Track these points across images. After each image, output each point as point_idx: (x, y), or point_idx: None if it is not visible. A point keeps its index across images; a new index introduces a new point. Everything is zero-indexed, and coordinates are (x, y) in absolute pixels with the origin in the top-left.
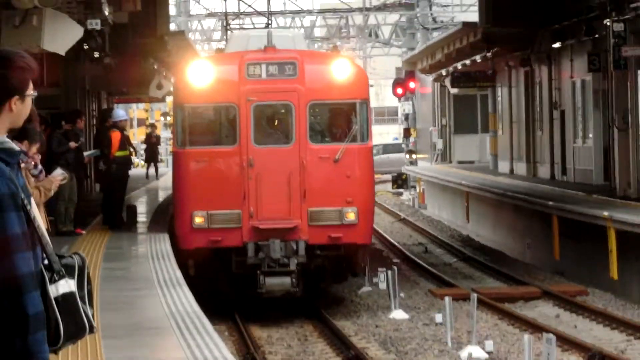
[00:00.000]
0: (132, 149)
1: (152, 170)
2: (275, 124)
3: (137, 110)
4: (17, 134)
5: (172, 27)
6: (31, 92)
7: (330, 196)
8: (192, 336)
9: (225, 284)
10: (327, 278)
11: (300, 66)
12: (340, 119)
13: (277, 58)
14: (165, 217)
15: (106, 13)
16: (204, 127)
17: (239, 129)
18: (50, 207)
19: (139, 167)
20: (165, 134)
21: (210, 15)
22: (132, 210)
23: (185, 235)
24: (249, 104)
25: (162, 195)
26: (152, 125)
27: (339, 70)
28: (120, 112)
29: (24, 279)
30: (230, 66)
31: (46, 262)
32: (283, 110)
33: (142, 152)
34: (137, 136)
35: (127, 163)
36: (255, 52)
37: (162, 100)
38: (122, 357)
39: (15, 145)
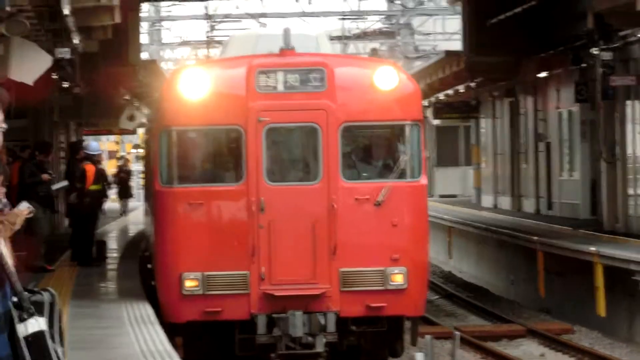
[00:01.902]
0: (107, 183)
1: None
2: (296, 153)
3: (107, 143)
4: None
5: (144, 55)
6: (1, 125)
7: (370, 252)
8: None
9: None
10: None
11: (330, 75)
12: (384, 147)
13: (298, 64)
14: (136, 253)
15: (76, 41)
16: (198, 158)
17: (245, 161)
18: (20, 242)
19: (111, 202)
20: (136, 167)
21: (184, 43)
22: (102, 246)
23: (171, 304)
24: (260, 126)
25: (132, 230)
26: (124, 159)
27: (383, 81)
28: (94, 144)
29: None
30: (234, 75)
31: (14, 299)
32: (306, 136)
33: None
34: (107, 170)
35: (100, 197)
36: (268, 56)
37: (134, 132)
38: None
39: None
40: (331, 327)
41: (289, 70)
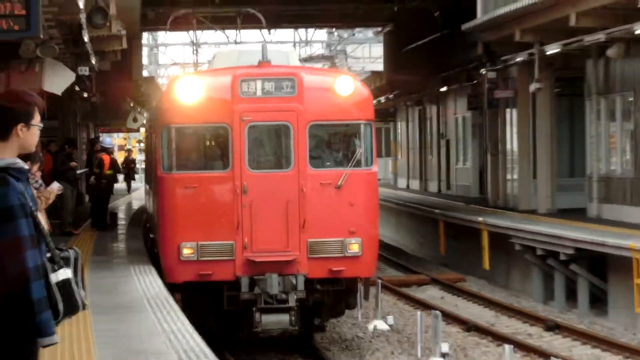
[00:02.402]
0: (118, 169)
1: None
2: (272, 146)
3: (117, 139)
4: (21, 156)
5: (145, 73)
6: (37, 122)
7: (332, 226)
8: (161, 313)
9: (214, 321)
10: (324, 313)
11: (300, 83)
12: (343, 142)
13: (273, 74)
14: (139, 222)
15: (93, 62)
16: (192, 150)
17: (231, 152)
18: (55, 212)
19: (120, 183)
20: (139, 157)
21: (175, 64)
22: (114, 216)
23: (172, 268)
24: (243, 124)
25: (136, 205)
26: (129, 151)
27: (342, 88)
28: (108, 140)
29: (31, 271)
30: (222, 83)
31: (49, 255)
32: (280, 132)
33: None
34: (118, 159)
35: (113, 180)
36: (249, 68)
37: (137, 130)
38: (107, 329)
39: (24, 165)
40: (300, 286)
41: (266, 79)
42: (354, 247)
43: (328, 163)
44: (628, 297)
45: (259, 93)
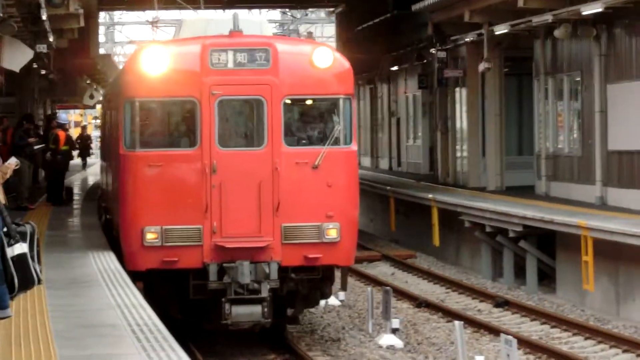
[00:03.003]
0: (73, 145)
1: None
2: (244, 122)
3: (74, 115)
4: None
5: (102, 51)
6: None
7: (308, 209)
8: (115, 288)
9: (178, 311)
10: (298, 304)
11: (274, 54)
12: (321, 118)
13: (246, 44)
14: (94, 197)
15: (51, 40)
16: (158, 126)
17: (200, 128)
18: (10, 187)
19: (75, 159)
20: (95, 134)
21: (132, 42)
22: (70, 191)
23: (134, 254)
24: (212, 98)
25: (91, 180)
26: (84, 127)
27: (320, 60)
28: (63, 116)
29: None
30: (190, 53)
31: (5, 230)
32: (253, 107)
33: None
34: (73, 135)
35: (69, 155)
36: (220, 37)
37: (93, 107)
38: (62, 304)
39: None
40: (274, 275)
41: (238, 49)
42: (332, 233)
43: (304, 141)
44: (576, 274)
45: (230, 65)
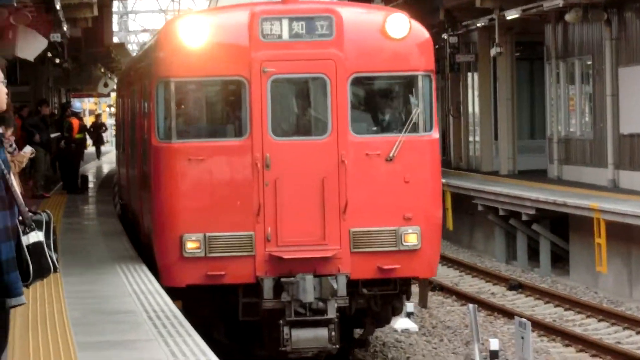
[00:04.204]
0: (87, 133)
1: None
2: (303, 106)
3: (88, 103)
4: None
5: (115, 40)
6: (2, 79)
7: (382, 211)
8: (131, 274)
9: (224, 335)
10: (368, 323)
11: (339, 22)
12: (396, 100)
13: (304, 10)
14: (109, 184)
15: (65, 29)
16: (198, 112)
17: (249, 114)
18: (26, 176)
19: (89, 148)
20: (110, 121)
21: (145, 30)
22: (85, 179)
23: (171, 267)
24: (264, 77)
25: (105, 168)
26: (98, 115)
27: (395, 29)
28: (78, 104)
29: (0, 233)
30: (236, 23)
31: (20, 218)
32: (314, 87)
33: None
34: (88, 123)
35: (83, 143)
36: (271, 3)
37: (107, 95)
38: (79, 291)
39: None
40: (342, 291)
41: (295, 17)
42: (411, 239)
43: (376, 128)
44: (589, 256)
45: (285, 36)
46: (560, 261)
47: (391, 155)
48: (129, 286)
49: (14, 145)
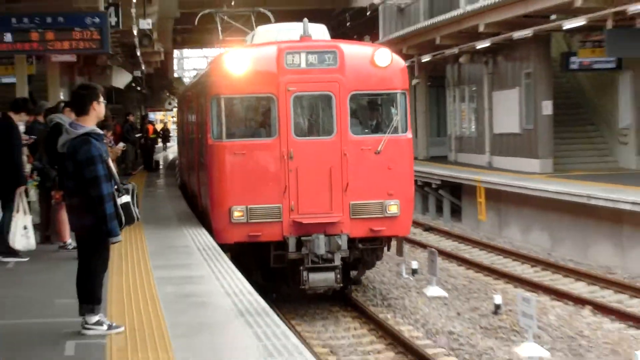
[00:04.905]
0: (158, 135)
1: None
2: (316, 115)
3: (159, 115)
4: (100, 126)
5: (175, 75)
6: (102, 100)
7: (372, 188)
8: (185, 222)
9: (261, 278)
10: (360, 267)
11: (341, 55)
12: (382, 110)
13: (316, 47)
14: (173, 166)
15: (143, 68)
16: (241, 119)
17: (277, 121)
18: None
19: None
20: (172, 127)
21: (194, 69)
22: (157, 163)
23: (223, 230)
24: (288, 94)
25: (170, 157)
26: (165, 123)
27: (381, 60)
28: (152, 115)
29: (105, 196)
30: (267, 55)
31: (115, 187)
32: (323, 101)
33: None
34: (158, 128)
35: (155, 141)
36: (292, 42)
37: (171, 110)
38: (153, 233)
39: (100, 131)
40: (344, 246)
41: (310, 51)
42: (393, 208)
43: (367, 130)
44: (474, 210)
45: (303, 65)
46: (456, 213)
47: (379, 149)
48: (184, 230)
49: (112, 142)
